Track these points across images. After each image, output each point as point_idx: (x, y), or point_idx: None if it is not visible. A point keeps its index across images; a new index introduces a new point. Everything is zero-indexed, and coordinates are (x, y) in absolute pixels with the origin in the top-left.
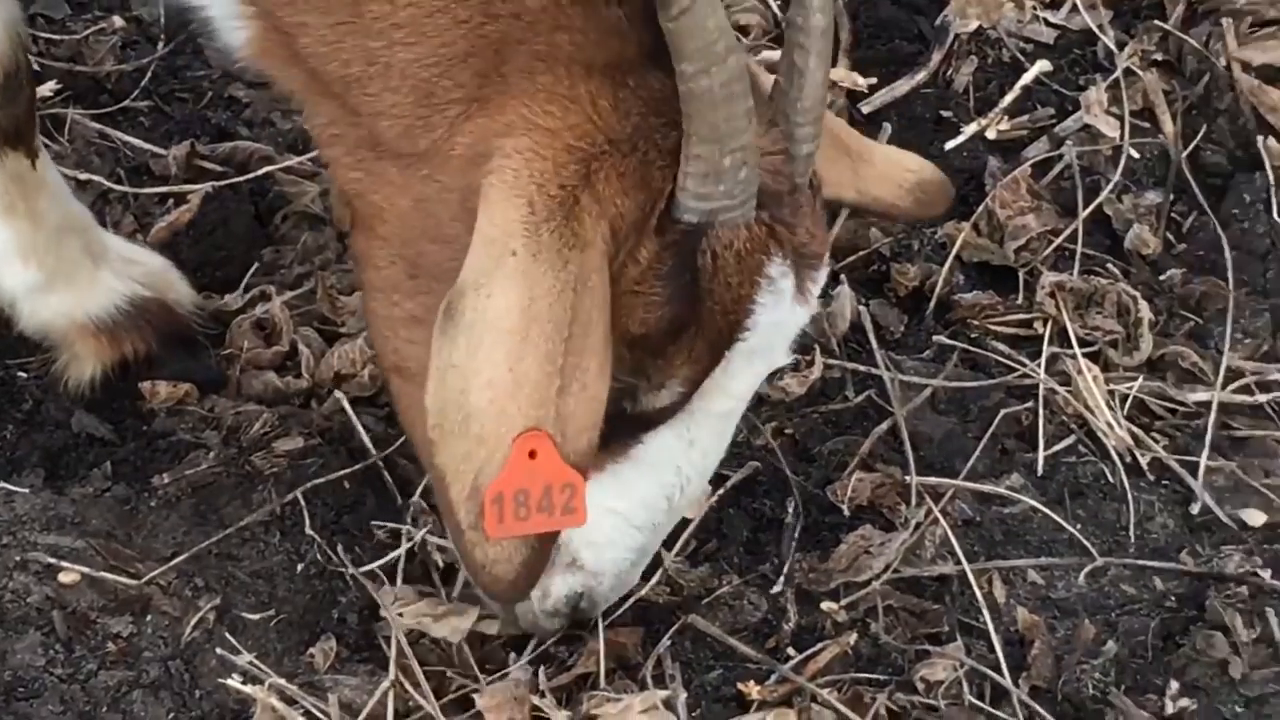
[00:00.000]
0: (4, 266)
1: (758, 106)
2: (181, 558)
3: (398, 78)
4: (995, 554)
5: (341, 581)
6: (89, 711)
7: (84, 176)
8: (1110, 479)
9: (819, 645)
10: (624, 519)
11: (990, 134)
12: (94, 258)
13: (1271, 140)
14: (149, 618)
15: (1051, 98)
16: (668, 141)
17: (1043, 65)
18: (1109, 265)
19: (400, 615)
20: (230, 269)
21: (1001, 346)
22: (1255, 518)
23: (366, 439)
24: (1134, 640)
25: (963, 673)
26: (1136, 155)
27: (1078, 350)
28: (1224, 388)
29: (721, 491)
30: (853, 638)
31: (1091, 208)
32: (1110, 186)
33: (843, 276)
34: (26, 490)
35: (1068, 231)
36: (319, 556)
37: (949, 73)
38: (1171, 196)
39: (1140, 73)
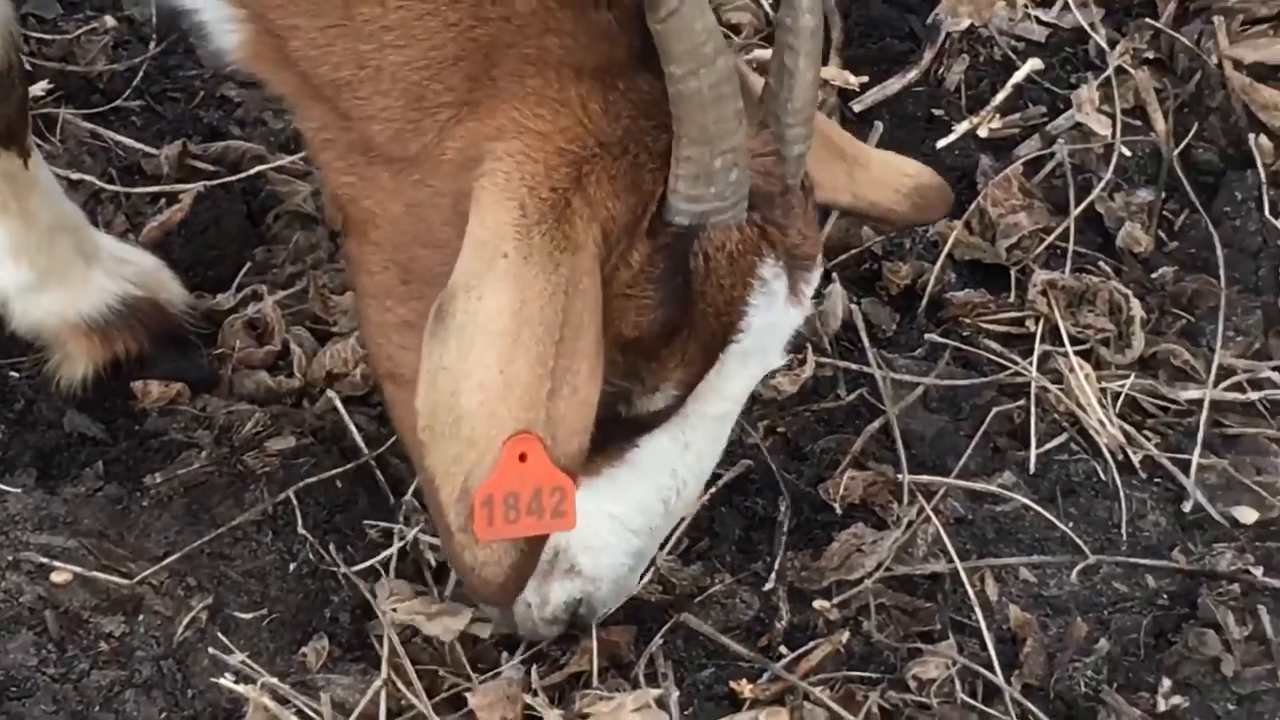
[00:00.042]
0: None
1: (748, 108)
2: (174, 557)
3: (388, 81)
4: (987, 552)
5: (334, 581)
6: (81, 711)
7: (76, 176)
8: (1102, 477)
9: (811, 643)
10: (621, 523)
11: (982, 132)
12: (86, 257)
13: (1263, 138)
14: (141, 617)
15: (1043, 96)
16: (658, 144)
17: (1034, 63)
18: (1101, 263)
19: (394, 611)
20: (222, 268)
21: (993, 344)
22: (1247, 515)
23: (359, 438)
24: (1126, 638)
25: (955, 671)
26: (1128, 153)
27: (1069, 348)
28: (1216, 385)
29: (714, 490)
30: (845, 636)
31: (1083, 206)
32: (1102, 184)
33: (834, 275)
34: (19, 490)
35: (1059, 229)
36: (311, 556)
37: (941, 71)
38: (1163, 194)
39: (1132, 71)
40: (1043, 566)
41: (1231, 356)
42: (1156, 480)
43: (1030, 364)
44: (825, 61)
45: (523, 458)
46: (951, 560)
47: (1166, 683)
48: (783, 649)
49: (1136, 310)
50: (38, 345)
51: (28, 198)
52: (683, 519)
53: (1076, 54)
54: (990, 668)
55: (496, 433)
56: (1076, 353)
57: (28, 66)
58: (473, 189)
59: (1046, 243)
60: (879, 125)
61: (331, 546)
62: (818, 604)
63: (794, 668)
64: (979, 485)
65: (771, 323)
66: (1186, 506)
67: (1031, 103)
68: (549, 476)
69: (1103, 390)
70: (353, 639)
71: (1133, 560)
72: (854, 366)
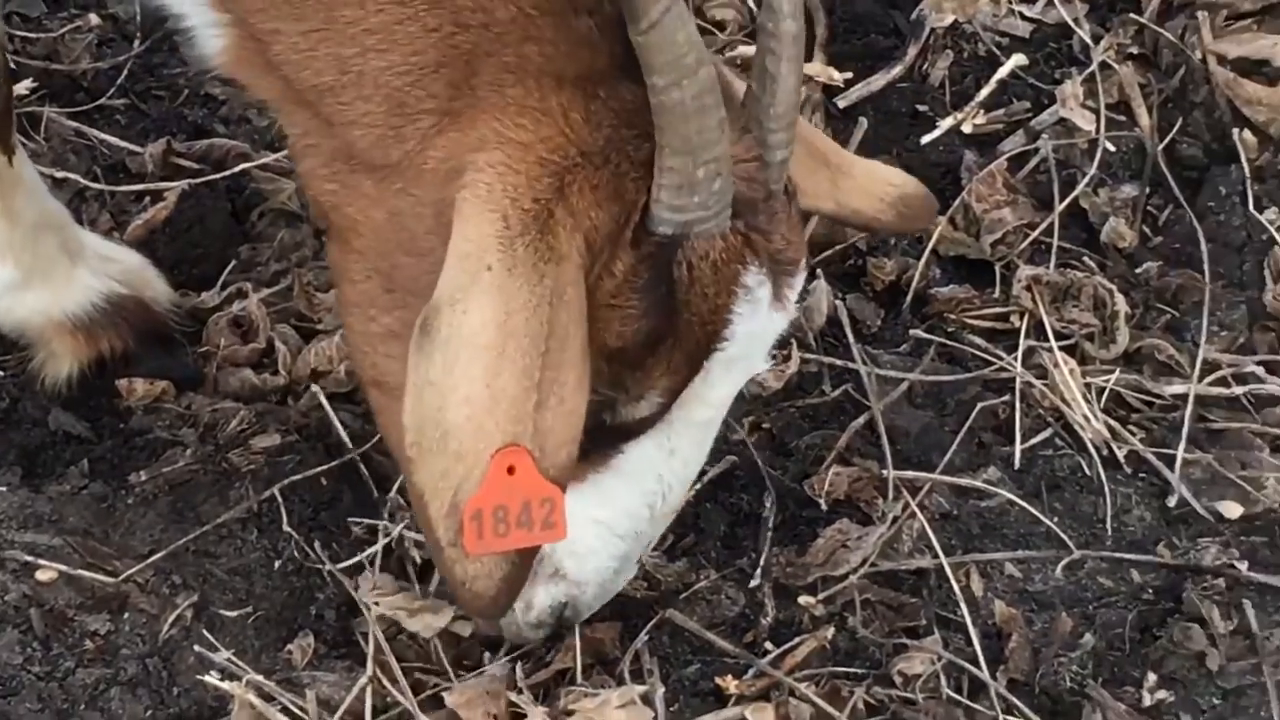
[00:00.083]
0: None
1: (730, 113)
2: (159, 555)
3: (370, 86)
4: (972, 547)
5: (319, 578)
6: (67, 709)
7: (60, 174)
8: (1087, 472)
9: (797, 639)
10: (607, 528)
11: (966, 128)
12: (71, 255)
13: (1247, 133)
14: (126, 615)
15: (1027, 91)
16: (640, 153)
17: (1018, 59)
18: (1085, 258)
19: (376, 604)
20: (207, 266)
21: (978, 340)
22: (1232, 510)
23: (344, 434)
24: (1111, 633)
25: (940, 666)
26: (1112, 148)
27: (1054, 343)
28: (1200, 380)
29: (699, 486)
30: (830, 632)
31: (1068, 201)
32: (1086, 180)
33: (819, 271)
34: (3, 488)
35: (1044, 225)
36: (296, 553)
37: (925, 67)
38: (1148, 189)
39: (1116, 66)
40: (1028, 562)
41: (1216, 351)
42: (1141, 475)
43: (1015, 359)
44: (810, 57)
45: (511, 470)
46: (937, 556)
47: (1152, 677)
48: (768, 645)
49: (1121, 305)
50: (22, 343)
51: (12, 196)
52: None
53: (1061, 49)
54: (975, 663)
55: (484, 446)
56: (1061, 348)
57: (12, 65)
58: (455, 200)
59: (1031, 238)
60: (863, 121)
61: (317, 544)
62: (803, 600)
63: (779, 664)
64: (964, 481)
65: (756, 330)
66: (1171, 501)
67: (1016, 98)
68: (538, 488)
69: (1087, 385)
70: (338, 636)
71: (1118, 555)
72: (839, 362)
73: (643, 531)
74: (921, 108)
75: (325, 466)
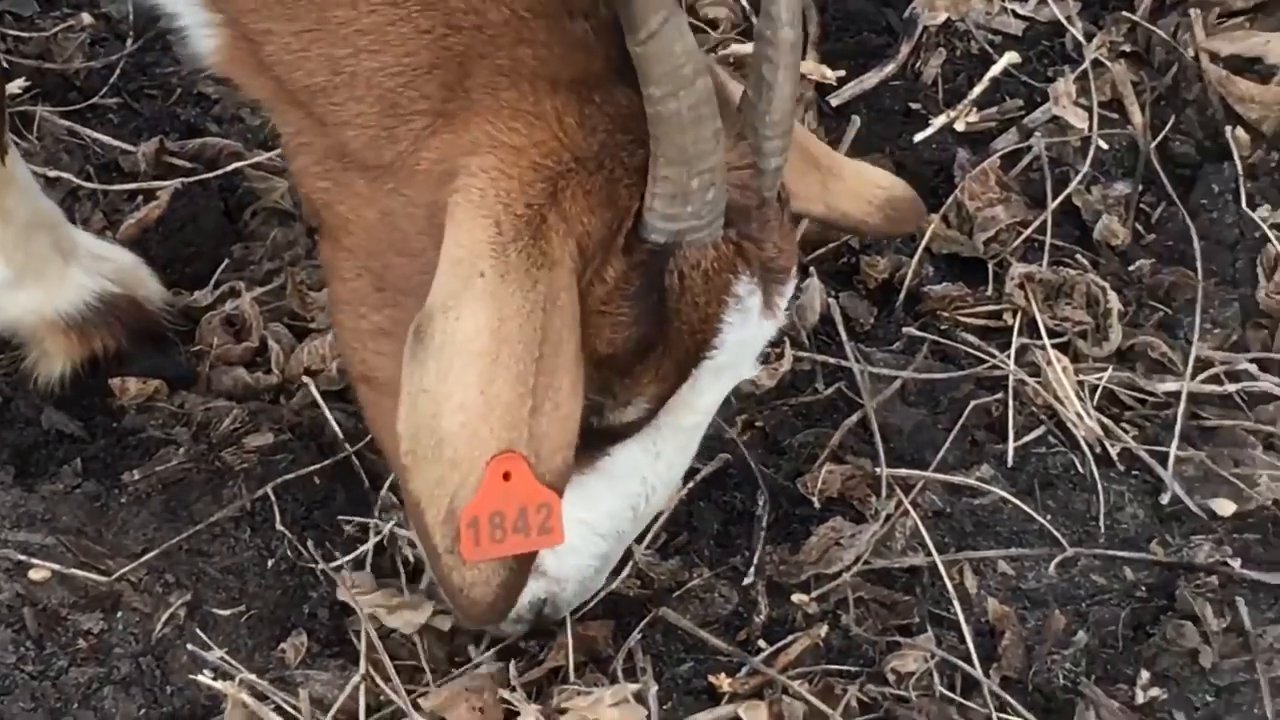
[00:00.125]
0: None
1: (726, 119)
2: (152, 554)
3: (363, 87)
4: (966, 545)
5: (312, 577)
6: (60, 708)
7: (53, 173)
8: (1080, 469)
9: (790, 637)
10: (589, 528)
11: (959, 126)
12: (63, 254)
13: (1240, 130)
14: (119, 614)
15: (1020, 89)
16: (634, 160)
17: (1011, 57)
18: (1078, 256)
19: (357, 601)
20: (200, 265)
21: (971, 338)
22: (1225, 507)
23: (338, 432)
24: (1104, 630)
25: (933, 664)
26: (1105, 146)
27: (1047, 341)
28: (1193, 378)
29: (692, 485)
30: (823, 630)
31: (1060, 199)
32: (1079, 178)
33: (812, 269)
34: None
35: (1037, 223)
36: (289, 552)
37: (917, 65)
38: (1140, 187)
39: (1108, 64)
40: (1021, 559)
41: (1209, 349)
42: (1134, 473)
43: (1008, 357)
44: (802, 56)
45: (507, 476)
46: (930, 553)
47: (1145, 675)
48: (761, 643)
49: (1114, 303)
50: (15, 342)
51: (5, 195)
52: (661, 513)
53: (1053, 47)
54: (969, 660)
55: (479, 453)
56: (1054, 345)
57: (4, 64)
58: (448, 204)
59: (1024, 236)
60: (856, 119)
61: (310, 542)
62: (796, 598)
63: (772, 661)
64: (957, 478)
65: (746, 339)
66: (1164, 499)
67: (1008, 96)
68: (534, 494)
69: (1080, 383)
70: (331, 635)
71: (1111, 553)
72: (832, 360)
73: (625, 531)
74: (914, 106)
75: (318, 465)
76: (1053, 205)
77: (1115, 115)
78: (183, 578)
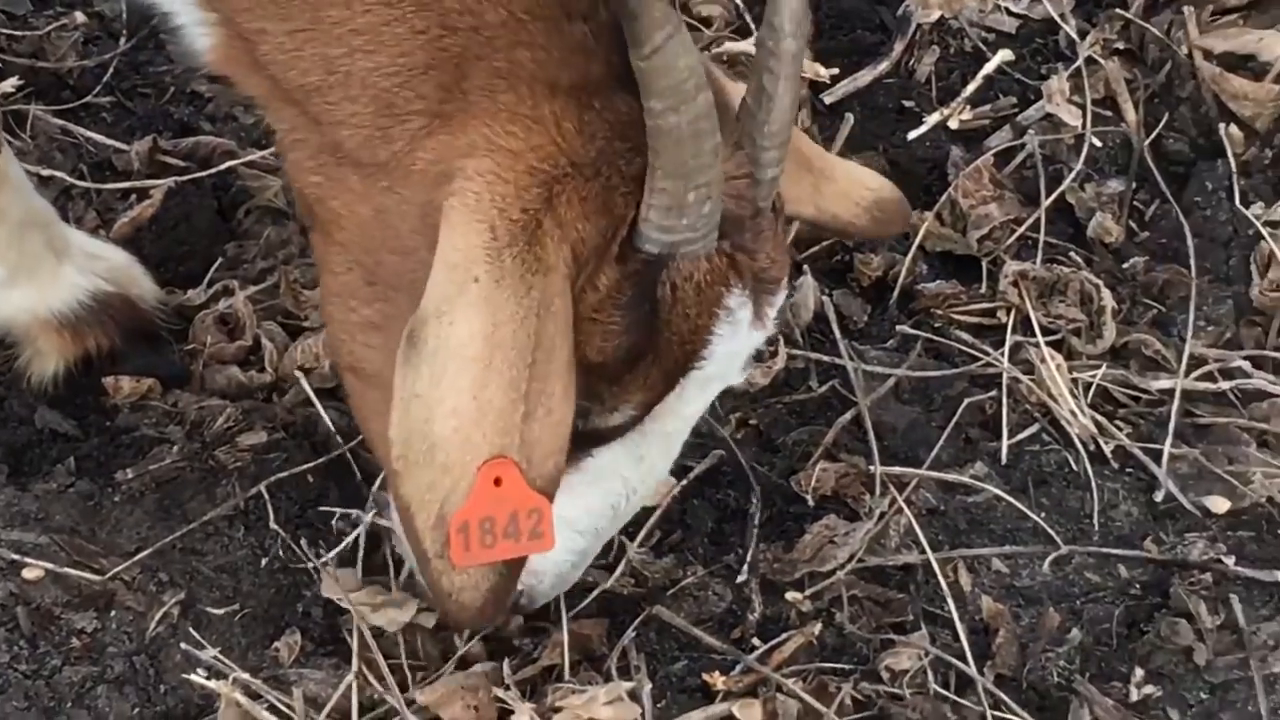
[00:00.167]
0: None
1: (724, 127)
2: (145, 553)
3: (357, 87)
4: (960, 543)
5: (306, 575)
6: (53, 707)
7: (46, 172)
8: (1074, 467)
9: (784, 635)
10: (568, 525)
11: (953, 123)
12: (57, 253)
13: (1233, 128)
14: (113, 613)
15: (1014, 87)
16: (632, 168)
17: (1005, 54)
18: (1072, 254)
19: (338, 600)
20: (193, 264)
21: (965, 336)
22: (1219, 505)
23: (332, 427)
24: (1098, 628)
25: (928, 662)
26: (1099, 144)
27: (1041, 339)
28: (1187, 375)
29: (685, 482)
30: (817, 627)
31: (1054, 196)
32: (1073, 175)
33: (806, 267)
34: None
35: (1030, 220)
36: (283, 551)
37: (911, 63)
38: (1134, 185)
39: (1102, 61)
40: (1015, 557)
41: (1203, 346)
42: (1128, 470)
43: (1002, 355)
44: None
45: (498, 482)
46: (924, 551)
47: (1139, 672)
48: (755, 641)
49: (1107, 300)
50: (8, 341)
51: None
52: (654, 511)
53: (1047, 45)
54: (963, 658)
55: (471, 458)
56: (1048, 343)
57: None
58: (443, 207)
59: (1017, 234)
60: (850, 117)
61: (303, 541)
62: (790, 596)
63: (766, 659)
64: (951, 476)
65: (735, 349)
66: (1158, 496)
67: (1002, 94)
68: (525, 499)
69: (1074, 380)
70: (325, 633)
71: (1105, 550)
72: (826, 358)
73: (603, 529)
74: (908, 103)
75: (312, 464)
76: (1046, 203)
77: (1109, 113)
78: (176, 576)
